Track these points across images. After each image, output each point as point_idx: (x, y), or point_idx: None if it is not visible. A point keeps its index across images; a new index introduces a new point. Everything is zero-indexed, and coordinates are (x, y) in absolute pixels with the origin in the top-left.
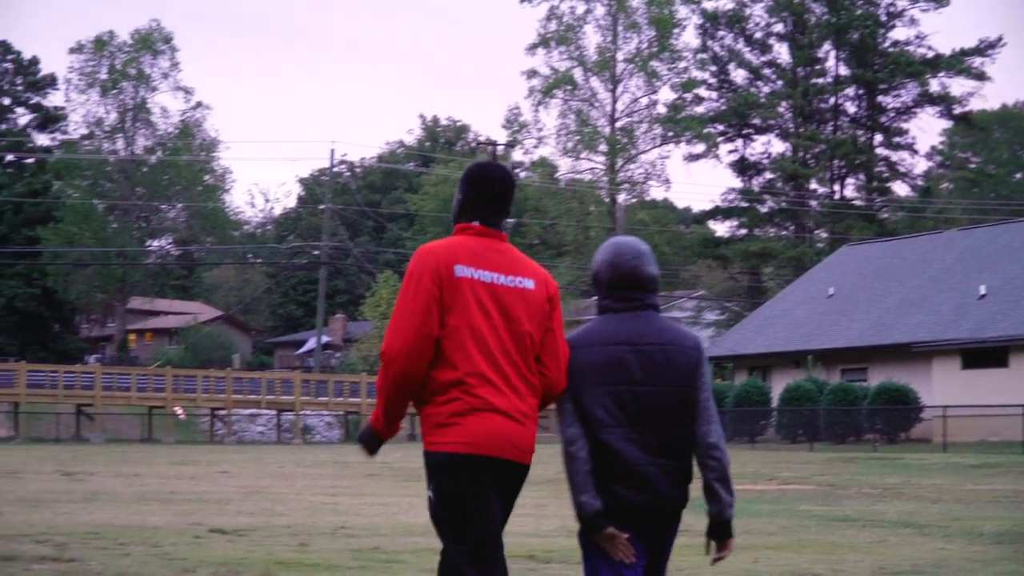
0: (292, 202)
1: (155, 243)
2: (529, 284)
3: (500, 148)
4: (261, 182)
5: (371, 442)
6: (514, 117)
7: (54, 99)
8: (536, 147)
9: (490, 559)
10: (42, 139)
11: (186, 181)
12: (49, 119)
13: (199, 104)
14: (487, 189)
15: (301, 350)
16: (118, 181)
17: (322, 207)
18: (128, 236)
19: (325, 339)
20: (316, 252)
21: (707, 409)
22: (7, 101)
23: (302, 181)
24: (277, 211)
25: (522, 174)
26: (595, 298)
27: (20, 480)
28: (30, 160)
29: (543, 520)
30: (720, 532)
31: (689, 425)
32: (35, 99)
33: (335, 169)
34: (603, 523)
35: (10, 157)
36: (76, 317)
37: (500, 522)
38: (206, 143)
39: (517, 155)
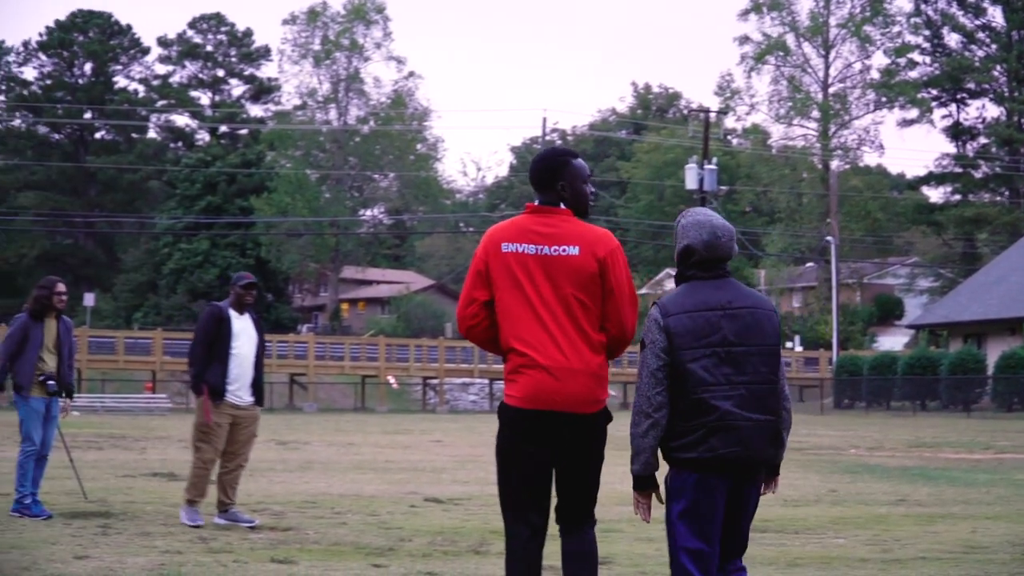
0: (504, 171)
1: (367, 212)
2: (573, 251)
3: (712, 115)
4: (473, 151)
5: None
6: (726, 84)
7: (267, 70)
8: (748, 114)
9: (528, 494)
10: (256, 110)
11: (398, 151)
12: (263, 90)
13: (411, 74)
14: (530, 172)
15: None
16: (331, 151)
17: None
18: (341, 206)
19: None
20: None
21: (783, 367)
22: (221, 73)
23: (514, 149)
24: (489, 180)
25: (734, 141)
26: (673, 269)
27: None
28: (244, 131)
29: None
30: (771, 471)
31: (776, 380)
32: (249, 70)
33: (547, 137)
34: (654, 484)
35: (224, 128)
36: (289, 287)
37: (549, 466)
38: (418, 112)
39: (729, 122)
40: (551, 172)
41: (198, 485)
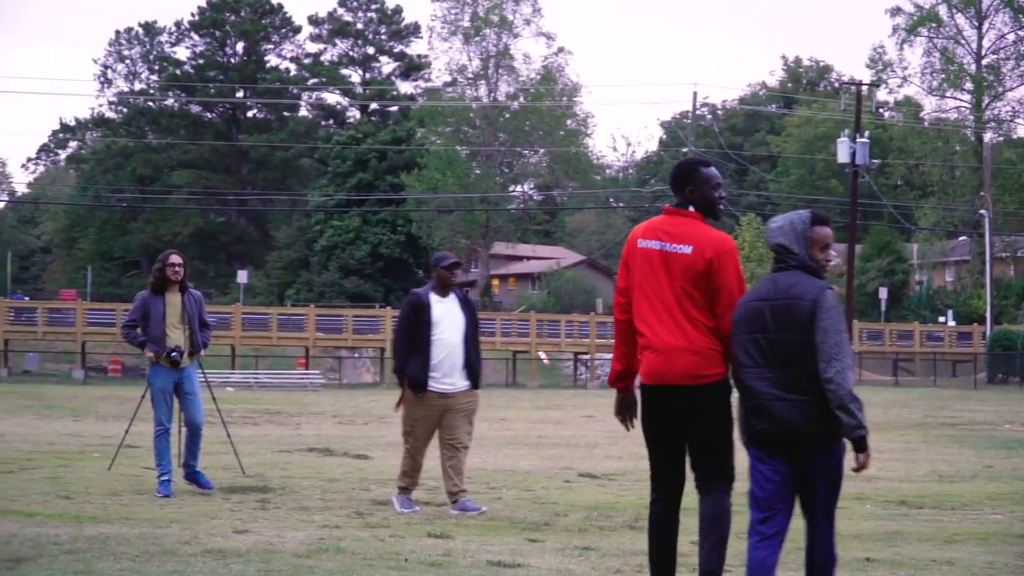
0: (654, 146)
1: (517, 188)
2: (686, 250)
3: (864, 88)
4: (623, 126)
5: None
6: (878, 56)
7: (417, 47)
8: (900, 86)
9: (661, 458)
10: (406, 87)
11: (548, 127)
12: (412, 67)
13: (561, 49)
14: (669, 178)
15: None
16: (481, 127)
17: (684, 150)
18: (491, 182)
19: None
20: None
21: (824, 350)
22: (372, 50)
23: (664, 124)
24: (639, 155)
25: (886, 114)
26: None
27: (388, 425)
28: (394, 108)
29: (913, 465)
30: (855, 447)
31: (812, 365)
32: (399, 48)
33: (697, 112)
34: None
35: (375, 105)
36: None
37: (674, 434)
38: (568, 88)
39: (881, 95)
40: (681, 178)
41: (408, 474)
